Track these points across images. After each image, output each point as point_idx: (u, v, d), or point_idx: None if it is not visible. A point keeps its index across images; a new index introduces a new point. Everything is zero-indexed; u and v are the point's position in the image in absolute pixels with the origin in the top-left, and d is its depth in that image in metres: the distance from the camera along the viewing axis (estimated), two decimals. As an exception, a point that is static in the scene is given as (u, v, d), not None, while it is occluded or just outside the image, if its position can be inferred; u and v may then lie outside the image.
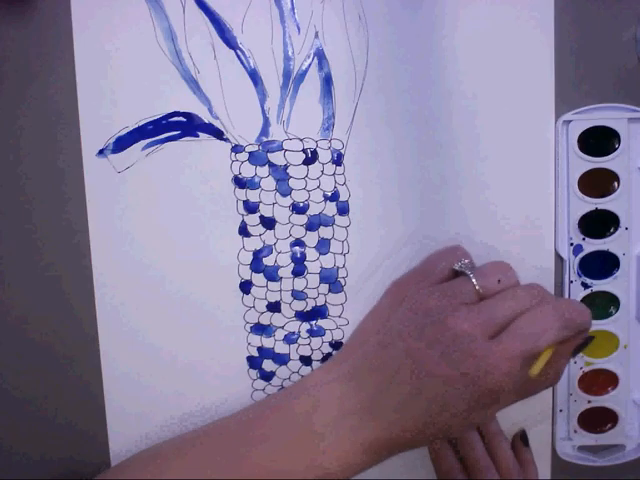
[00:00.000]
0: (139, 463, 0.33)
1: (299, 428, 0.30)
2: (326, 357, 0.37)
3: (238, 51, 0.34)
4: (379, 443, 0.29)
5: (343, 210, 0.36)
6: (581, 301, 0.36)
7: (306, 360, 0.37)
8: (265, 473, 0.30)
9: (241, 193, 0.35)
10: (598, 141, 0.35)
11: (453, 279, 0.32)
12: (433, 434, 0.29)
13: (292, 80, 0.34)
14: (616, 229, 0.36)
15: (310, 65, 0.34)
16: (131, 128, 0.34)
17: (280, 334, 0.37)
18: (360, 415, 0.29)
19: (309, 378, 0.32)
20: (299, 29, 0.34)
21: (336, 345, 0.37)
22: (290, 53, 0.34)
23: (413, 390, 0.28)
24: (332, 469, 0.29)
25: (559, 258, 0.37)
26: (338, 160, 0.35)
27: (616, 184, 0.35)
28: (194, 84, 0.34)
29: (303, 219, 0.36)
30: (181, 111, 0.34)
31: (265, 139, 0.35)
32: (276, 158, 0.35)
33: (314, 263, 0.36)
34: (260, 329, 0.36)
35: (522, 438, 0.38)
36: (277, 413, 0.31)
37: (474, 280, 0.30)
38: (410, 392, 0.28)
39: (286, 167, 0.35)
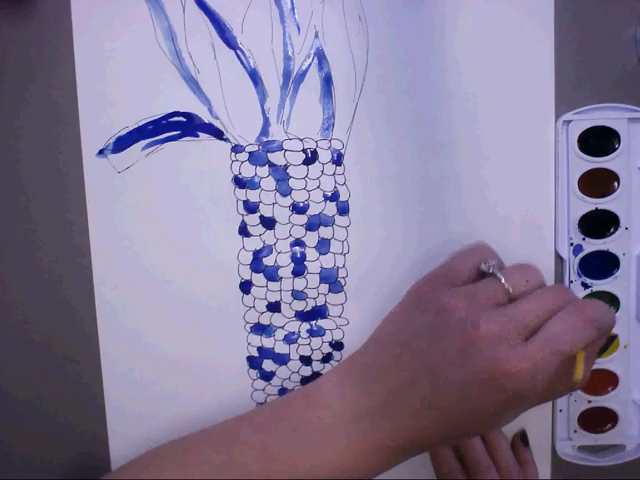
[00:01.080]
0: (141, 463, 0.33)
1: (310, 429, 0.30)
2: (326, 357, 0.37)
3: (238, 51, 0.34)
4: (394, 446, 0.29)
5: (343, 210, 0.36)
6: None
7: (306, 360, 0.37)
8: (274, 473, 0.29)
9: (241, 193, 0.35)
10: (598, 141, 0.35)
11: (479, 280, 0.31)
12: (454, 436, 0.29)
13: (292, 80, 0.34)
14: (616, 229, 0.36)
15: (310, 65, 0.34)
16: (131, 128, 0.34)
17: (280, 334, 0.37)
18: (372, 418, 0.29)
19: (324, 380, 0.31)
20: (299, 29, 0.34)
21: (336, 345, 0.37)
22: (290, 53, 0.34)
23: (429, 397, 0.28)
24: (341, 469, 0.29)
25: (559, 258, 0.37)
26: (338, 160, 0.35)
27: (616, 184, 0.35)
28: (194, 84, 0.34)
29: (303, 219, 0.36)
30: (181, 111, 0.34)
31: (265, 139, 0.35)
32: (276, 158, 0.35)
33: (314, 263, 0.36)
34: (260, 329, 0.36)
35: (522, 438, 0.37)
36: (288, 413, 0.31)
37: (503, 281, 0.29)
38: (426, 399, 0.28)
39: (286, 167, 0.35)
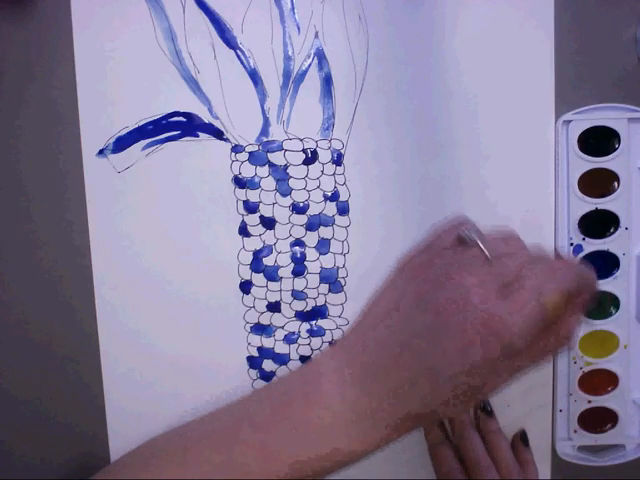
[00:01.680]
0: (140, 462, 0.33)
1: (310, 429, 0.30)
2: (326, 357, 0.37)
3: (238, 51, 0.34)
4: (390, 440, 0.29)
5: (343, 210, 0.36)
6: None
7: (306, 360, 0.37)
8: (274, 473, 0.29)
9: (241, 193, 0.35)
10: (598, 141, 0.35)
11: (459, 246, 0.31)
12: (452, 412, 0.29)
13: (292, 80, 0.34)
14: (616, 229, 0.36)
15: (310, 65, 0.34)
16: (131, 128, 0.34)
17: (280, 334, 0.37)
18: (372, 418, 0.29)
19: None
20: (299, 29, 0.34)
21: (336, 345, 0.37)
22: (290, 53, 0.34)
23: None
24: (337, 464, 0.29)
25: (559, 258, 0.37)
26: (338, 160, 0.35)
27: (616, 184, 0.35)
28: (194, 84, 0.34)
29: (303, 219, 0.36)
30: (181, 111, 0.34)
31: (265, 139, 0.35)
32: (276, 158, 0.35)
33: (314, 263, 0.36)
34: (260, 329, 0.36)
35: (522, 438, 0.37)
36: (288, 413, 0.31)
37: (480, 243, 0.30)
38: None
39: (286, 167, 0.35)
